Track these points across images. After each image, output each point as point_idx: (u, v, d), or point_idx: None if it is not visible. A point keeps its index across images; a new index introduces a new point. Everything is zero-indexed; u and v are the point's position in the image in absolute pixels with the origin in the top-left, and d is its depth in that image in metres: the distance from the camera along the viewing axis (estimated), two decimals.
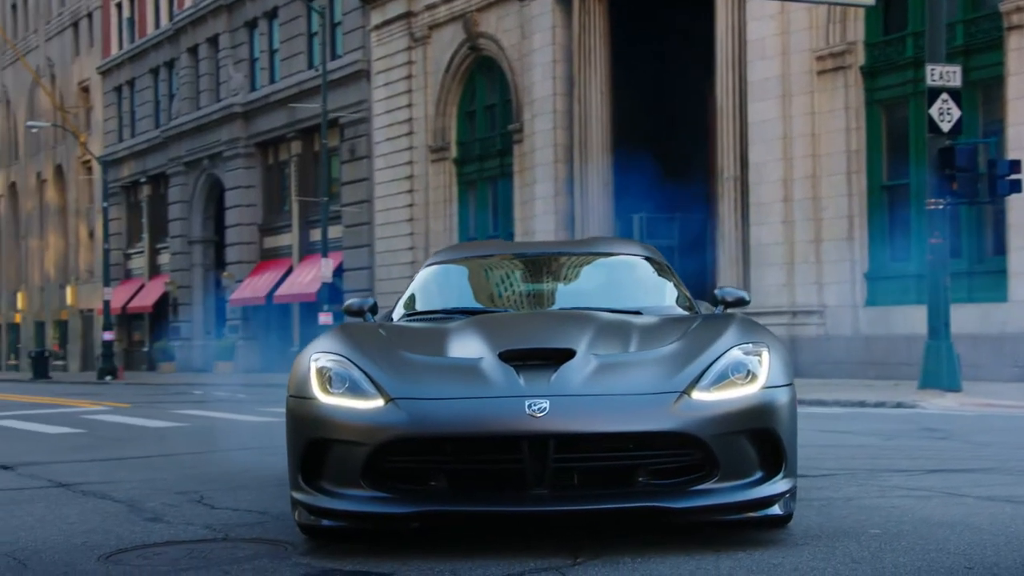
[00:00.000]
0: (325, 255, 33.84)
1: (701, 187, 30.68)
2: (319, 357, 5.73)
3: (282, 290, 42.28)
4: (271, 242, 45.36)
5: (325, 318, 33.13)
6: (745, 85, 26.39)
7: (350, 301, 7.36)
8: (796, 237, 25.21)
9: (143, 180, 53.47)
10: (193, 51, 49.33)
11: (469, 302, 7.20)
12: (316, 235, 42.34)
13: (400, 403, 5.37)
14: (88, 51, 59.13)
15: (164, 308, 50.66)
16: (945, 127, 18.23)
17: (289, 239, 44.03)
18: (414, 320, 6.97)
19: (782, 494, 5.44)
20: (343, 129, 40.55)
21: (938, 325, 18.27)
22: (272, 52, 44.92)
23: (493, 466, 5.28)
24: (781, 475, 5.44)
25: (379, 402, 5.41)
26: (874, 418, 14.51)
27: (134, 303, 52.65)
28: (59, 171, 61.75)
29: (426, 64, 36.95)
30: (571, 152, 31.77)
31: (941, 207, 18.25)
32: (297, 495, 5.58)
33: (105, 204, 46.17)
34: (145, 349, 52.97)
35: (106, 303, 45.57)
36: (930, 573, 4.91)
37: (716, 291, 7.20)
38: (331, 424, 5.43)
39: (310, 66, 41.97)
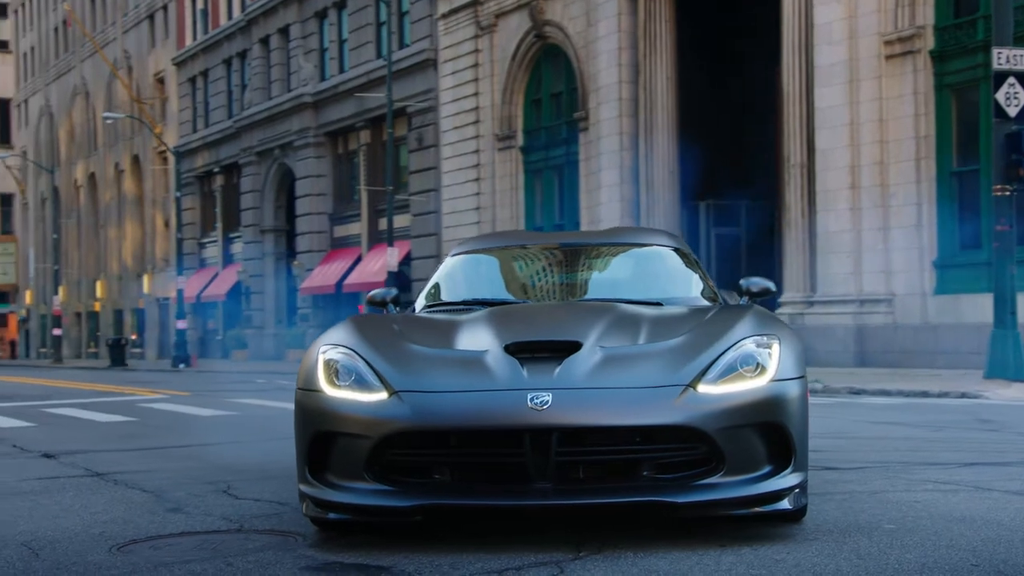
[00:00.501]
0: (391, 244, 33.96)
1: (768, 174, 30.37)
2: (327, 349, 5.70)
3: (351, 279, 42.54)
4: (341, 231, 45.63)
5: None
6: (812, 70, 26.02)
7: (373, 292, 7.36)
8: (863, 224, 24.83)
9: (216, 170, 54.05)
10: (264, 42, 49.74)
11: (489, 293, 7.12)
12: (385, 224, 42.56)
13: (403, 396, 5.32)
14: (163, 43, 59.89)
15: (237, 296, 51.21)
16: (1012, 112, 17.82)
17: (358, 228, 44.27)
18: (434, 311, 6.91)
19: (791, 488, 5.32)
20: (411, 118, 40.66)
21: (1004, 314, 17.88)
22: (341, 42, 45.14)
23: (496, 459, 5.21)
24: (790, 469, 5.33)
25: (383, 395, 5.37)
26: (932, 409, 14.22)
27: (208, 291, 53.28)
28: (136, 161, 62.66)
29: (492, 52, 36.93)
30: (636, 139, 31.57)
31: (1008, 194, 17.85)
32: (304, 488, 5.56)
33: (178, 194, 46.70)
34: (219, 337, 53.59)
35: (179, 292, 46.14)
36: (934, 570, 4.75)
37: (741, 281, 7.09)
38: (336, 417, 5.39)
39: (378, 55, 42.10)
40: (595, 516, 5.60)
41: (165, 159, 57.89)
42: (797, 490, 5.36)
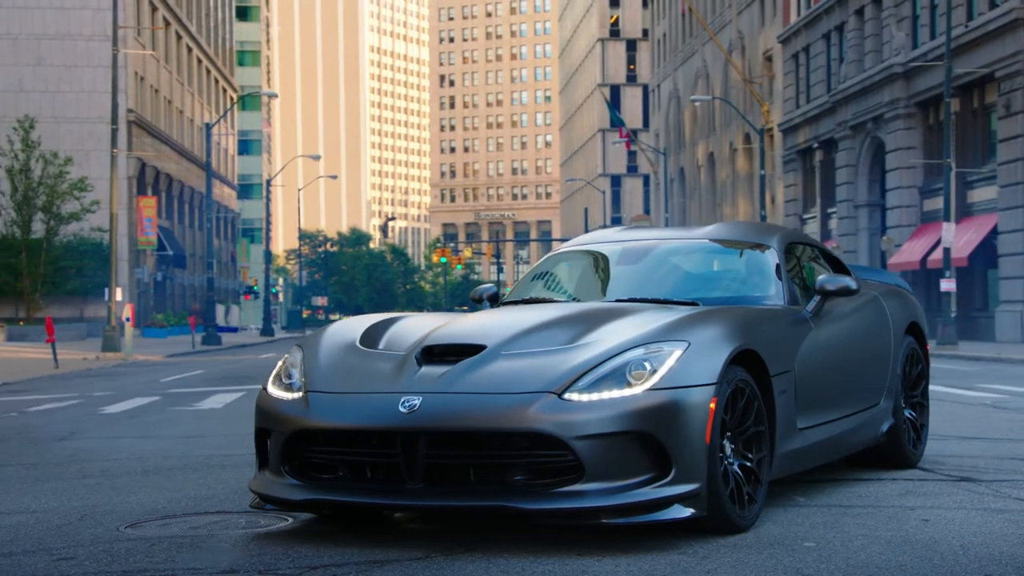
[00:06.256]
0: (948, 219, 32.05)
1: None
2: (291, 351, 6.10)
3: (935, 254, 40.62)
4: (930, 204, 43.71)
5: (947, 285, 31.36)
6: None
7: (475, 288, 7.72)
8: None
9: (815, 146, 53.73)
10: (860, 13, 48.68)
11: (539, 292, 7.30)
12: (974, 196, 40.27)
13: (310, 396, 5.62)
14: (772, 21, 60.42)
15: None
16: None
17: (952, 200, 42.10)
18: (500, 307, 7.16)
19: (672, 499, 5.09)
20: (999, 83, 37.94)
21: None
22: (932, 7, 43.06)
23: (377, 460, 5.37)
24: (669, 479, 5.11)
25: (299, 394, 5.69)
26: None
27: None
28: (747, 140, 63.81)
29: None
30: None
31: None
32: (251, 480, 5.96)
33: (762, 172, 47.14)
34: None
35: None
36: None
37: (819, 278, 6.73)
38: (268, 414, 5.78)
39: (968, 19, 39.74)
40: (464, 518, 5.68)
41: (772, 136, 58.51)
42: (683, 501, 5.13)
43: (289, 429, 5.55)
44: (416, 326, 6.23)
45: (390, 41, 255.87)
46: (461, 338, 5.80)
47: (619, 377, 5.20)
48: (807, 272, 7.24)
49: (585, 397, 5.15)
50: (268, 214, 70.25)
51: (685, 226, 7.95)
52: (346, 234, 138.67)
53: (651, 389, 5.16)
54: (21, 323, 50.04)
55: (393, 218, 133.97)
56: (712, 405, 5.24)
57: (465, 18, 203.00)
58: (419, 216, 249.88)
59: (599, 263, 7.46)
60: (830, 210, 52.54)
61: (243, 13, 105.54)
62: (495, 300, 7.51)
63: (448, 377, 5.40)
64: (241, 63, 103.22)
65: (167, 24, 68.64)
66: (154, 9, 65.86)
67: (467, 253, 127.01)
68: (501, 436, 5.15)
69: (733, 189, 66.64)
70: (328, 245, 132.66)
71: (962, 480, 7.00)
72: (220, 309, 65.34)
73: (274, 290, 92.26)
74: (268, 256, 70.64)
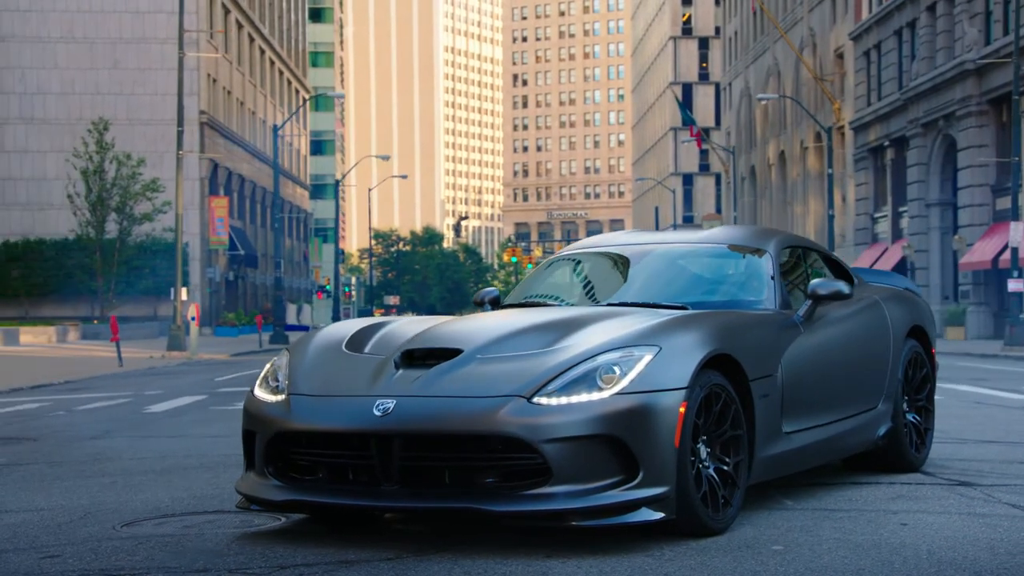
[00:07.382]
0: (1016, 218, 31.50)
1: None
2: (280, 354, 6.21)
3: (1007, 254, 39.93)
4: (1003, 203, 42.95)
5: (1015, 285, 30.83)
6: None
7: (479, 292, 7.76)
8: None
9: (887, 144, 53.07)
10: (931, 9, 47.98)
11: (536, 295, 7.33)
12: None
13: (291, 399, 5.70)
14: (843, 18, 59.79)
15: (902, 272, 49.97)
16: None
17: (1020, 199, 41.34)
18: (496, 310, 7.28)
19: (640, 501, 5.13)
20: None
21: None
22: (1006, 2, 42.32)
23: (354, 462, 5.44)
24: (636, 482, 5.15)
25: (282, 397, 5.77)
26: None
27: (875, 267, 52.50)
28: (818, 138, 63.17)
29: None
30: None
31: None
32: (237, 481, 6.07)
33: (830, 171, 46.82)
34: None
35: None
36: None
37: (812, 282, 6.72)
38: (253, 417, 5.88)
39: None
40: (435, 519, 5.77)
41: (844, 135, 57.87)
42: (652, 504, 5.17)
43: (272, 431, 5.64)
44: (403, 330, 6.27)
45: (464, 41, 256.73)
46: (441, 342, 5.85)
47: (589, 381, 5.25)
48: (813, 276, 7.24)
49: (554, 401, 5.21)
50: (339, 213, 70.86)
51: (690, 230, 7.93)
52: (419, 233, 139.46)
53: (619, 393, 5.20)
54: (95, 322, 50.95)
55: (466, 217, 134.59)
56: (682, 409, 5.28)
57: (538, 17, 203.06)
58: (492, 215, 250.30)
59: (597, 266, 7.53)
60: (901, 209, 51.90)
61: (316, 15, 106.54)
62: (496, 303, 7.56)
63: (422, 381, 5.47)
64: (314, 64, 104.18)
65: (240, 26, 69.44)
66: (227, 12, 66.65)
67: (538, 252, 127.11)
68: (472, 439, 5.21)
69: (804, 188, 66.01)
70: (401, 244, 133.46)
71: (960, 484, 6.93)
72: (292, 308, 66.03)
73: (347, 288, 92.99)
74: (338, 255, 71.24)
